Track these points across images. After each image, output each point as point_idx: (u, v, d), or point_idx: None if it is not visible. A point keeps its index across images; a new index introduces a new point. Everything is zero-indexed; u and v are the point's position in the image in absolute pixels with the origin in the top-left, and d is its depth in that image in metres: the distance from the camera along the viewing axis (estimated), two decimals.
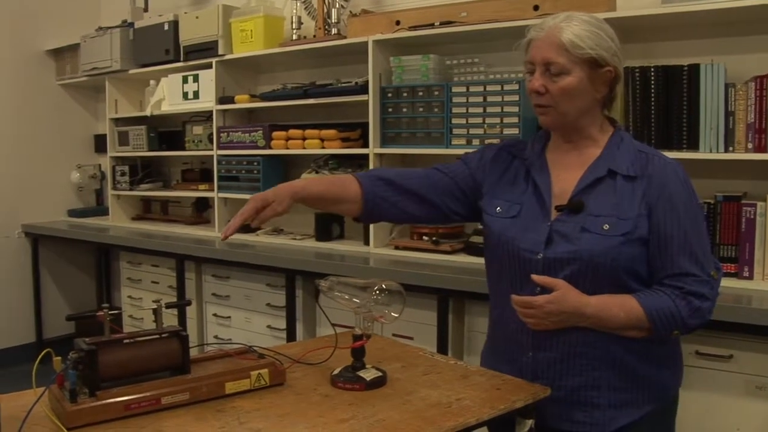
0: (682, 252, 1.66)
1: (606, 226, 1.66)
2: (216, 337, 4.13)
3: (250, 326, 3.94)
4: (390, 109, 3.52)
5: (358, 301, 1.69)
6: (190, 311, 4.19)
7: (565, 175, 1.78)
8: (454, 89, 3.31)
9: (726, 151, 2.66)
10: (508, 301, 1.71)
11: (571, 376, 1.71)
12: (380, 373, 1.70)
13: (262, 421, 1.46)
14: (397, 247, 3.51)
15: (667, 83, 2.74)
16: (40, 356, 1.52)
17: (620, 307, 1.65)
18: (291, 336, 3.65)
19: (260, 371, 1.65)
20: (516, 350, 1.78)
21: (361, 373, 1.68)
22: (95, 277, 5.44)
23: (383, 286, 1.67)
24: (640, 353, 1.71)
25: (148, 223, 5.11)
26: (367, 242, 3.64)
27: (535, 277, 1.66)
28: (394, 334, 3.02)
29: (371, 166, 3.55)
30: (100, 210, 5.57)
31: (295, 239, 3.96)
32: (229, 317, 4.06)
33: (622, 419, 1.71)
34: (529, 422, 1.61)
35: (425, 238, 3.41)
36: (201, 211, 4.93)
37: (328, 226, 3.90)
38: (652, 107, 2.77)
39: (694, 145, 2.71)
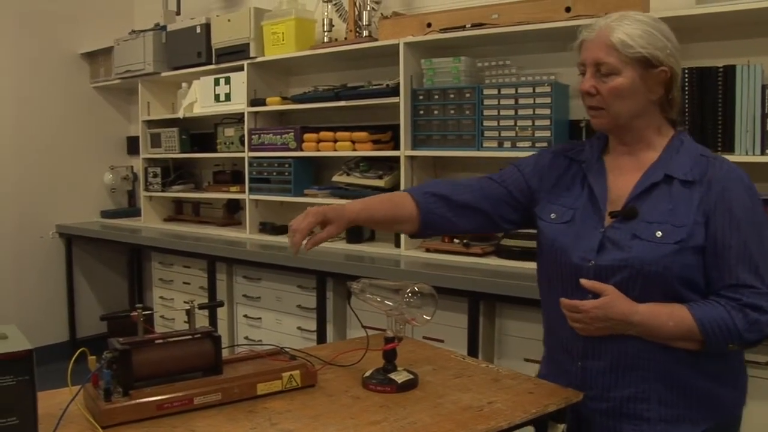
0: (741, 262, 1.59)
1: (659, 234, 1.61)
2: (246, 338, 4.15)
3: (280, 328, 3.95)
4: (421, 112, 3.52)
5: (390, 303, 1.68)
6: (221, 312, 4.21)
7: (622, 180, 1.74)
8: (486, 91, 3.29)
9: (762, 153, 2.62)
10: (557, 309, 1.68)
11: (620, 387, 1.67)
12: (411, 376, 1.70)
13: (294, 423, 1.47)
14: (428, 250, 3.50)
15: (701, 85, 2.71)
16: (75, 355, 1.54)
17: (669, 316, 1.59)
18: (321, 338, 3.66)
19: (292, 372, 1.66)
20: (567, 360, 1.75)
21: (393, 376, 1.67)
22: (127, 278, 5.49)
23: (415, 288, 1.67)
24: (694, 367, 1.64)
25: (179, 224, 5.14)
26: (398, 245, 3.64)
27: (583, 281, 1.63)
28: (424, 337, 3.01)
29: (402, 169, 3.55)
30: (133, 211, 5.62)
31: (327, 242, 3.95)
32: (260, 318, 4.07)
33: None
34: (561, 427, 1.59)
35: (456, 240, 3.40)
36: (232, 212, 4.95)
37: (358, 228, 3.90)
38: (686, 109, 2.74)
39: (729, 148, 2.68)
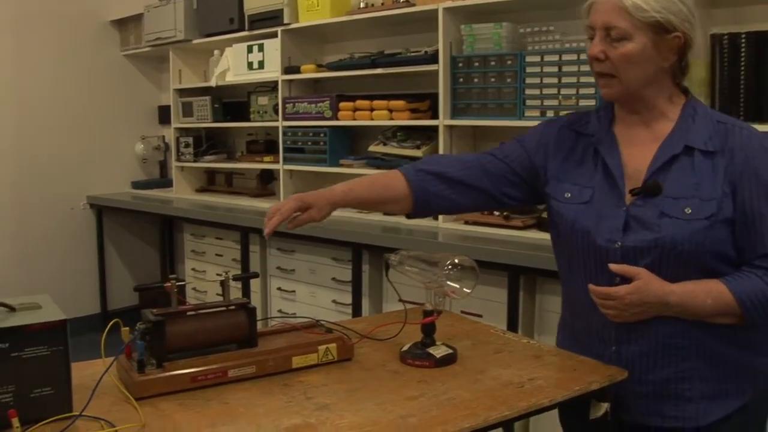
0: None
1: (688, 210, 1.58)
2: (280, 311, 4.18)
3: (314, 301, 3.98)
4: (461, 80, 3.49)
5: (429, 275, 1.68)
6: (254, 285, 4.24)
7: (637, 153, 1.69)
8: (528, 59, 3.26)
9: None
10: (585, 293, 1.65)
11: (658, 368, 1.65)
12: (450, 351, 1.69)
13: (330, 397, 1.48)
14: (466, 222, 3.49)
15: (758, 50, 2.65)
16: (108, 326, 1.56)
17: (707, 293, 1.57)
18: (357, 311, 3.68)
19: (328, 346, 1.67)
20: (598, 344, 1.72)
21: (431, 350, 1.68)
22: (159, 250, 5.55)
23: (456, 260, 1.66)
24: (732, 340, 1.63)
25: (212, 195, 5.18)
26: (435, 216, 3.62)
27: (613, 266, 1.60)
28: (462, 312, 3.01)
29: (440, 139, 3.54)
30: (164, 182, 5.68)
31: (362, 212, 3.97)
32: (294, 291, 4.10)
33: (718, 412, 1.64)
34: (605, 405, 1.58)
35: (496, 213, 3.38)
36: (266, 183, 4.98)
37: None
38: (742, 77, 2.68)
39: None
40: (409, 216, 1.91)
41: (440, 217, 3.56)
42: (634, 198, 1.64)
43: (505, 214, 3.33)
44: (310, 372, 1.62)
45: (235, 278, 1.71)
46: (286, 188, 4.44)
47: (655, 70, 1.64)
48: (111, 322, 1.57)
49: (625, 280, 1.59)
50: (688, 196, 1.59)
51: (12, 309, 1.37)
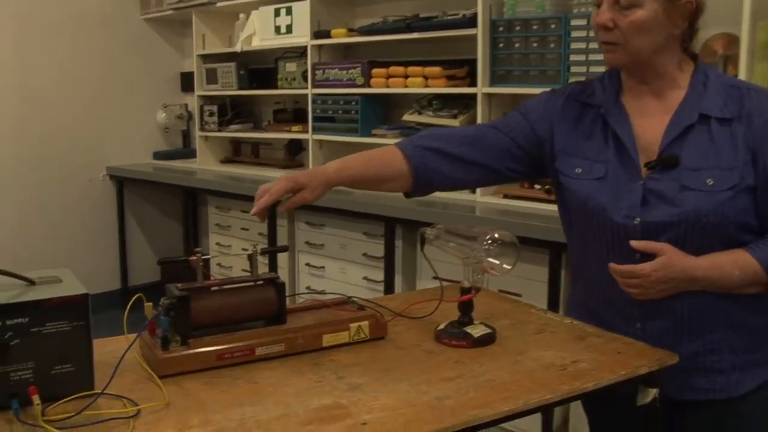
0: None
1: (710, 181, 1.58)
2: (308, 288, 4.20)
3: (345, 277, 3.99)
4: (501, 45, 3.47)
5: (467, 251, 1.67)
6: (282, 260, 4.27)
7: (649, 124, 1.68)
8: (573, 22, 3.22)
9: None
10: (601, 270, 1.66)
11: (686, 342, 1.66)
12: (489, 330, 1.69)
13: (362, 377, 1.48)
14: (505, 196, 3.48)
15: None
16: (131, 301, 1.57)
17: (732, 264, 1.58)
18: (389, 289, 3.69)
19: (360, 324, 1.67)
20: (620, 322, 1.73)
21: (469, 329, 1.67)
22: (182, 223, 5.59)
23: (495, 235, 1.65)
24: (760, 309, 1.66)
25: (237, 166, 5.21)
26: (473, 190, 3.61)
27: (635, 243, 1.60)
28: (500, 291, 3.00)
29: (479, 108, 3.52)
30: (187, 152, 5.71)
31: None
32: (323, 267, 4.12)
33: (750, 382, 1.67)
34: (653, 391, 1.57)
35: (537, 186, 3.36)
36: (294, 153, 4.99)
37: None
38: None
39: None
40: (408, 195, 1.89)
41: (478, 190, 3.55)
42: (651, 171, 1.64)
43: (546, 187, 3.31)
44: (341, 351, 1.62)
45: (264, 252, 1.71)
46: (315, 159, 4.45)
47: (666, 37, 1.63)
48: (134, 297, 1.58)
49: (646, 256, 1.59)
50: (708, 167, 1.59)
51: (31, 282, 1.38)
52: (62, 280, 1.42)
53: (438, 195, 3.64)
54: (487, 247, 1.64)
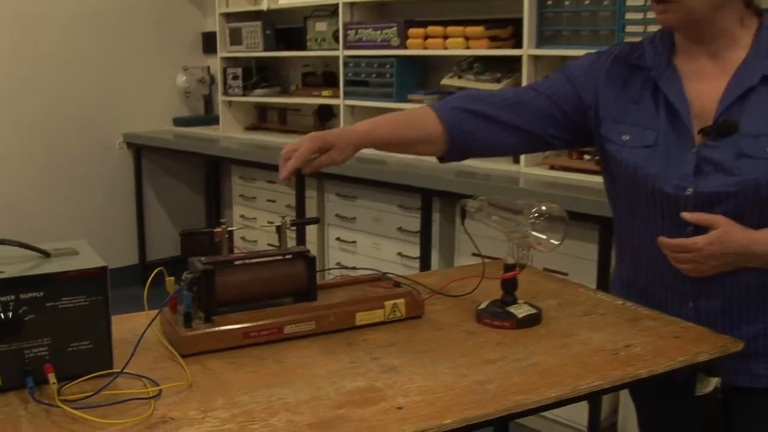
0: None
1: None
2: (339, 264, 4.22)
3: (378, 253, 4.01)
4: (549, 2, 3.43)
5: (512, 225, 1.67)
6: (310, 234, 4.29)
7: (704, 88, 1.65)
8: None
9: None
10: (650, 246, 1.65)
11: (744, 325, 1.66)
12: (534, 310, 1.69)
13: (398, 358, 1.48)
14: (552, 167, 3.46)
15: None
16: (152, 275, 1.58)
17: None
18: (425, 266, 3.70)
19: (396, 301, 1.67)
20: (671, 300, 1.72)
21: (512, 309, 1.67)
22: (204, 194, 5.62)
23: (543, 208, 1.65)
24: None
25: (263, 133, 5.22)
26: (516, 160, 3.60)
27: (686, 215, 1.58)
28: (545, 269, 3.00)
29: (524, 71, 3.49)
30: (210, 118, 5.73)
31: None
32: (354, 242, 4.13)
33: None
34: (714, 381, 1.55)
35: (587, 157, 3.34)
36: (324, 120, 4.98)
37: None
38: None
39: None
40: (442, 159, 1.88)
41: (521, 160, 3.54)
42: (705, 139, 1.62)
43: (596, 158, 3.28)
44: (376, 330, 1.63)
45: (294, 224, 1.72)
46: (346, 126, 4.43)
47: None
48: (155, 271, 1.59)
49: (699, 230, 1.58)
50: None
51: (46, 255, 1.40)
52: (79, 253, 1.43)
53: (479, 165, 3.65)
54: (533, 220, 1.64)
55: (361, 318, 1.63)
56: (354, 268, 4.01)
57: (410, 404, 1.28)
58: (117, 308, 1.42)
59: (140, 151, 5.57)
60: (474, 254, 3.14)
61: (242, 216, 5.05)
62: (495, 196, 1.78)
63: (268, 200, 4.79)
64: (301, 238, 4.12)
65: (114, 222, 5.57)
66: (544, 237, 1.66)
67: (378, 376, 1.40)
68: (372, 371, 1.42)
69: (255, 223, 4.88)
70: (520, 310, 1.67)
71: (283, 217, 1.71)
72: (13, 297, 1.28)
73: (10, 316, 1.28)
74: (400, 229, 3.87)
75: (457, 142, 1.82)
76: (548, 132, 1.84)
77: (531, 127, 1.83)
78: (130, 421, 1.21)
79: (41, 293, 1.30)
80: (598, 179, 3.20)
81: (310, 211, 4.32)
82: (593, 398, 2.74)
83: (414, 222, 3.76)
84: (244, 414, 1.24)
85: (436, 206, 3.66)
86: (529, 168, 3.54)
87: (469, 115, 1.82)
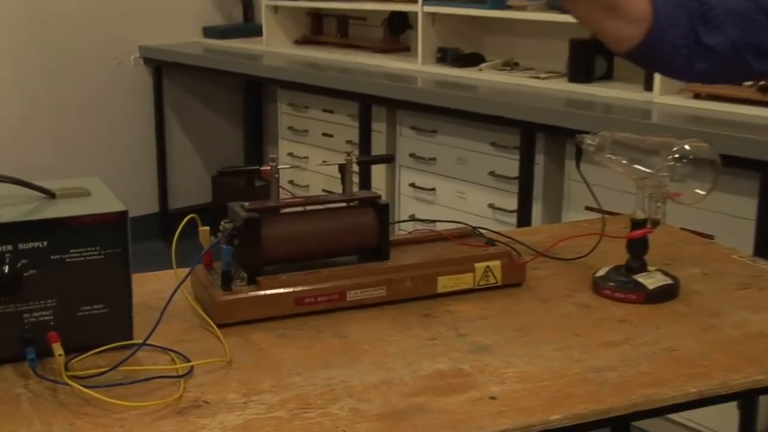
0: None
1: None
2: (412, 216, 4.21)
3: (463, 204, 4.00)
4: None
5: (644, 168, 1.66)
6: (377, 179, 4.28)
7: None
8: None
9: None
10: None
11: None
12: (669, 281, 1.69)
13: (491, 336, 1.49)
14: (697, 96, 3.40)
15: None
16: (181, 225, 1.58)
17: None
18: (524, 221, 3.69)
19: (489, 264, 1.67)
20: None
21: (641, 278, 1.67)
22: (242, 126, 5.63)
23: (687, 147, 1.62)
24: None
25: (318, 48, 5.23)
26: (649, 86, 3.56)
27: None
28: (683, 229, 2.98)
29: None
30: (250, 29, 5.73)
31: (537, 78, 3.93)
32: (434, 189, 4.13)
33: None
34: None
35: (748, 82, 3.28)
36: (397, 32, 4.97)
37: (588, 59, 3.84)
38: None
39: None
40: (628, 56, 1.67)
41: (656, 86, 3.48)
42: None
43: (761, 83, 3.23)
44: (463, 300, 1.64)
45: (361, 162, 1.71)
46: (426, 40, 4.42)
47: None
48: (187, 217, 1.60)
49: None
50: None
51: (51, 195, 1.41)
52: (91, 194, 1.44)
53: (597, 93, 3.62)
54: (673, 163, 1.62)
55: (444, 284, 1.64)
56: (433, 221, 4.03)
57: (506, 394, 1.29)
58: (136, 266, 1.41)
59: (161, 69, 5.60)
60: (588, 208, 3.11)
61: (290, 154, 5.06)
62: (619, 132, 1.77)
63: (324, 134, 4.79)
64: (365, 183, 4.10)
65: (128, 159, 5.59)
66: (686, 185, 1.64)
67: (465, 357, 1.41)
68: (457, 351, 1.43)
69: (307, 164, 4.89)
70: (651, 280, 1.67)
71: (348, 153, 1.70)
72: (9, 247, 1.28)
73: (6, 270, 1.28)
74: (492, 173, 3.86)
75: (658, 35, 1.59)
76: None
77: None
78: (155, 404, 1.22)
79: (44, 243, 1.30)
80: (761, 112, 3.18)
81: (378, 148, 4.30)
82: (747, 398, 2.71)
83: (511, 165, 3.75)
84: (296, 399, 1.26)
85: (540, 145, 3.64)
86: (665, 96, 3.48)
87: (697, 4, 1.60)
